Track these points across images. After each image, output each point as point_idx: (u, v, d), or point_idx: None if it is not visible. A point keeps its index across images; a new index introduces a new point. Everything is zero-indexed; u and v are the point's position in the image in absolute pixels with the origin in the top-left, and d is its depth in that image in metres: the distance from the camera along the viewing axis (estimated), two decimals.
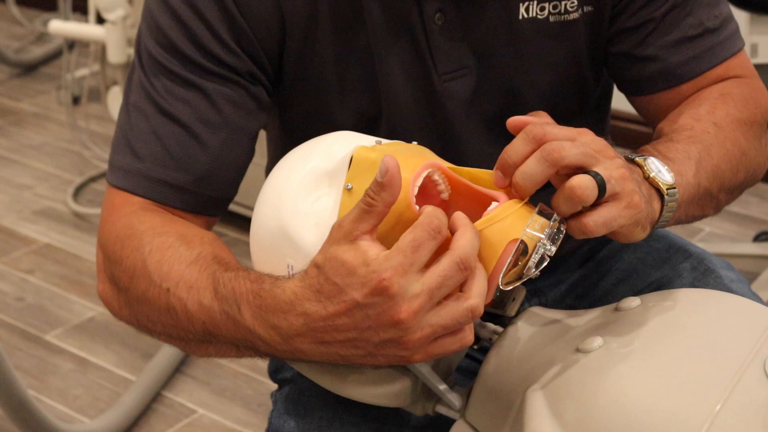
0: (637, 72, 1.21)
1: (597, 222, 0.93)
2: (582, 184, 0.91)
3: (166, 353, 2.35)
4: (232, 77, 1.10)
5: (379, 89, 1.16)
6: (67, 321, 2.55)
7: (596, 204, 0.92)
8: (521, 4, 1.15)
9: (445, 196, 0.98)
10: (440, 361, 1.05)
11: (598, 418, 0.89)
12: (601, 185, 0.92)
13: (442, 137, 1.18)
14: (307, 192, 0.97)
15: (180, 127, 1.09)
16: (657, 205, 1.01)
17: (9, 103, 3.80)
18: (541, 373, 0.97)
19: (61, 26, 3.03)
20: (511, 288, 0.92)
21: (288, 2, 1.11)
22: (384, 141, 0.99)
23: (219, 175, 1.11)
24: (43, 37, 4.30)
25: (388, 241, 0.92)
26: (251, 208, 1.06)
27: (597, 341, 0.95)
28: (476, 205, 0.95)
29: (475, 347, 1.05)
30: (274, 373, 1.30)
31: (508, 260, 0.91)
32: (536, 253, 0.91)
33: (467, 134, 1.18)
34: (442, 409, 1.06)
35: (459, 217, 0.88)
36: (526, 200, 0.94)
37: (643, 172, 1.01)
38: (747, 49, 1.27)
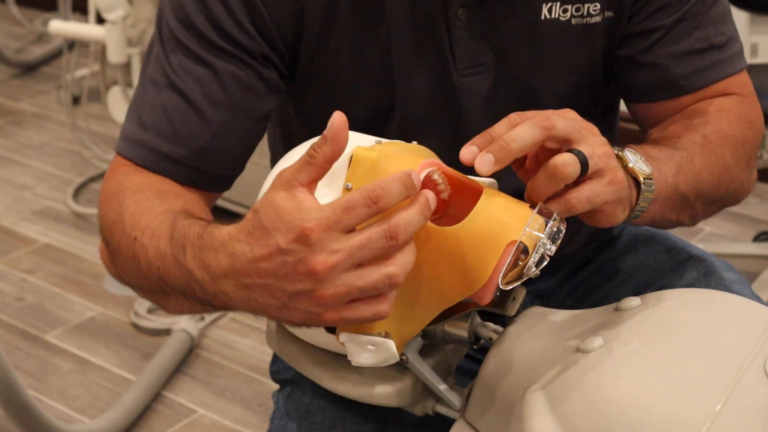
0: (640, 78, 1.22)
1: (580, 198, 0.94)
2: (565, 161, 0.92)
3: (166, 353, 2.35)
4: (243, 58, 1.11)
5: (395, 81, 1.16)
6: (67, 321, 2.56)
7: (579, 182, 0.94)
8: (544, 5, 1.16)
9: (444, 195, 0.98)
10: (440, 361, 1.05)
11: (598, 418, 0.89)
12: (584, 162, 0.93)
13: (455, 134, 1.18)
14: None
15: (186, 102, 1.11)
16: (634, 193, 1.02)
17: (9, 103, 3.80)
18: (541, 373, 0.97)
19: (61, 26, 3.03)
20: (511, 288, 0.93)
21: None
22: (383, 140, 0.99)
23: (218, 153, 1.12)
24: (43, 37, 4.30)
25: None
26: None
27: (597, 341, 0.95)
28: (474, 205, 0.95)
29: (475, 347, 1.05)
30: (275, 374, 1.30)
31: (508, 260, 0.91)
32: (536, 252, 0.91)
33: (480, 132, 1.18)
34: (441, 409, 1.06)
35: (423, 194, 0.87)
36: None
37: (622, 162, 1.02)
38: (747, 49, 1.28)
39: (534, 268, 0.92)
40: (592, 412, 0.89)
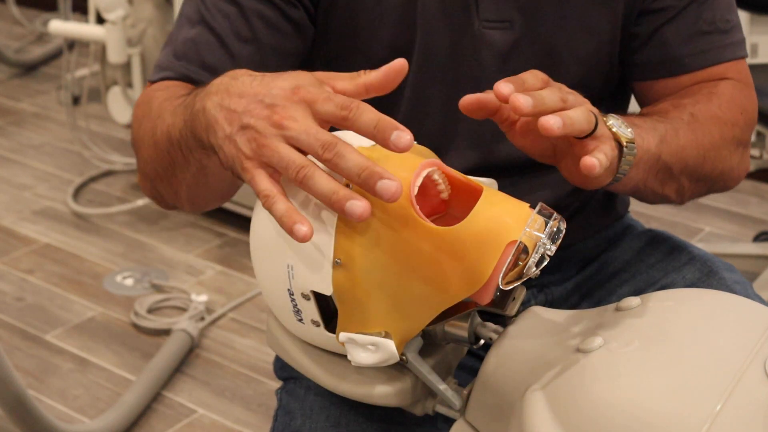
0: (644, 55, 1.24)
1: (600, 157, 0.98)
2: (582, 116, 0.97)
3: (166, 353, 2.35)
4: None
5: (417, 22, 1.18)
6: (67, 321, 2.56)
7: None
8: None
9: (445, 195, 0.98)
10: (440, 361, 1.05)
11: (598, 417, 0.89)
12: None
13: (472, 87, 1.18)
14: None
15: (214, 36, 1.16)
16: (616, 157, 1.05)
17: (9, 103, 3.80)
18: (541, 373, 0.97)
19: (61, 26, 3.03)
20: (511, 287, 0.93)
21: None
22: None
23: None
24: (43, 37, 4.30)
25: (387, 240, 0.93)
26: (251, 208, 1.06)
27: (597, 341, 0.95)
28: (474, 205, 0.95)
29: (475, 347, 1.05)
30: (279, 371, 1.30)
31: (508, 260, 0.91)
32: (536, 252, 0.91)
33: None
34: (442, 409, 1.06)
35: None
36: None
37: (606, 125, 1.04)
38: (747, 49, 1.29)
39: (534, 268, 0.92)
40: (592, 412, 0.89)
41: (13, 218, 3.01)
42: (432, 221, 0.93)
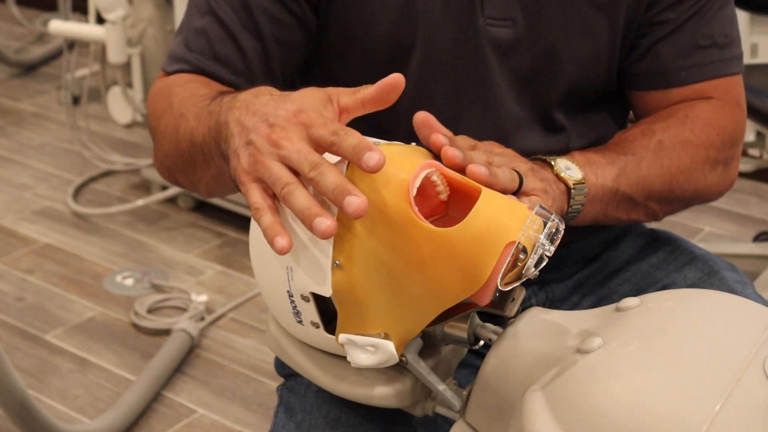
0: (640, 67, 1.26)
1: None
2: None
3: (166, 353, 2.35)
4: None
5: (417, 16, 1.19)
6: (67, 321, 2.56)
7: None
8: None
9: (443, 196, 0.98)
10: (440, 362, 1.05)
11: (598, 418, 0.89)
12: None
13: (473, 85, 1.22)
14: None
15: (223, 28, 1.20)
16: (565, 198, 1.13)
17: (9, 103, 3.80)
18: (541, 373, 0.97)
19: (61, 26, 3.03)
20: (510, 288, 0.93)
21: None
22: (382, 141, 0.99)
23: (255, 79, 1.20)
24: (43, 37, 4.30)
25: (386, 241, 0.93)
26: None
27: (597, 341, 0.95)
28: (473, 206, 0.95)
29: (475, 347, 1.05)
30: (280, 368, 1.30)
31: (507, 261, 0.91)
32: (535, 253, 0.91)
33: (497, 87, 1.22)
34: (441, 410, 1.06)
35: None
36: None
37: (553, 171, 1.13)
38: (747, 49, 1.30)
39: (533, 269, 0.92)
40: (592, 413, 0.89)
41: (13, 218, 3.01)
42: (431, 222, 0.93)
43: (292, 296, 0.99)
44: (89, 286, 2.69)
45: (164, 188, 3.04)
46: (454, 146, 1.01)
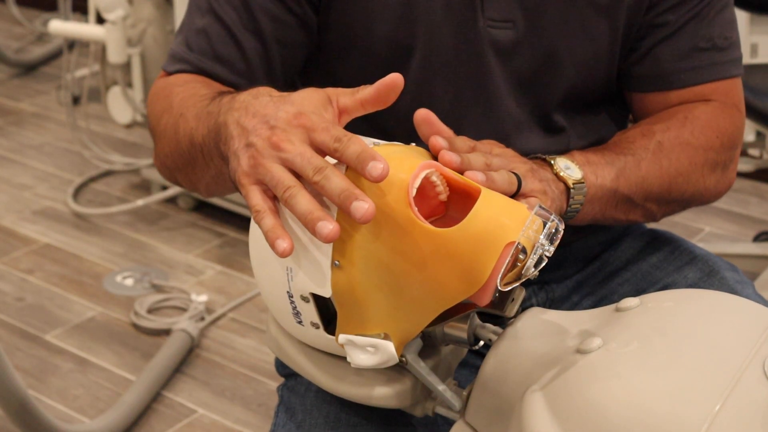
0: (640, 69, 1.25)
1: None
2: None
3: (166, 353, 2.35)
4: None
5: (417, 18, 1.19)
6: (67, 321, 2.56)
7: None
8: None
9: (443, 197, 0.98)
10: (440, 363, 1.05)
11: (598, 418, 0.89)
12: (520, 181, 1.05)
13: (473, 86, 1.22)
14: None
15: (224, 28, 1.20)
16: (564, 198, 1.13)
17: (9, 103, 3.80)
18: (540, 374, 0.97)
19: (61, 26, 3.03)
20: (509, 288, 0.93)
21: None
22: (381, 142, 0.99)
23: (256, 78, 1.20)
24: (43, 37, 4.30)
25: (386, 241, 0.93)
26: None
27: (597, 341, 0.95)
28: (473, 206, 0.95)
29: (475, 348, 1.05)
30: (281, 367, 1.31)
31: (507, 261, 0.91)
32: (534, 253, 0.91)
33: (498, 88, 1.23)
34: (441, 410, 1.06)
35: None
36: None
37: (552, 170, 1.13)
38: (747, 49, 1.30)
39: (532, 269, 0.92)
40: (592, 413, 0.89)
41: (13, 218, 3.02)
42: (430, 222, 0.93)
43: (292, 297, 0.99)
44: (89, 286, 2.69)
45: (164, 188, 3.04)
46: (453, 148, 1.01)
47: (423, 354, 1.03)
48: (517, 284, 0.93)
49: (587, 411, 0.90)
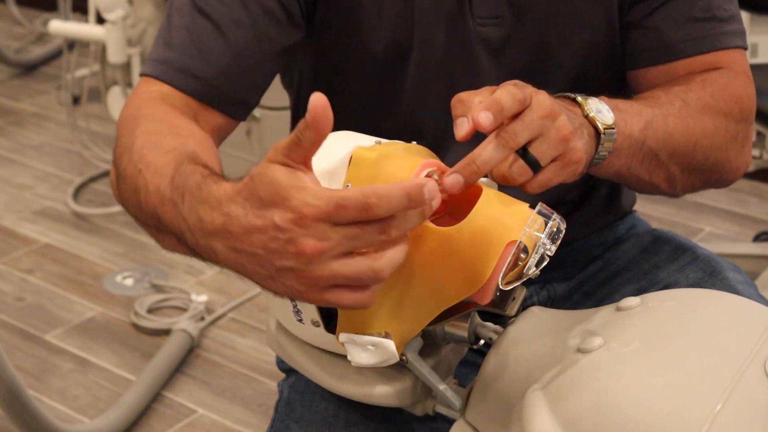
0: (638, 42, 1.23)
1: (533, 187, 0.97)
2: (515, 172, 0.96)
3: (166, 353, 2.35)
4: None
5: (415, 20, 1.19)
6: (67, 321, 2.56)
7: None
8: None
9: (444, 196, 0.98)
10: (440, 362, 1.05)
11: (598, 418, 0.89)
12: (533, 163, 0.96)
13: (468, 85, 1.18)
14: None
15: (210, 22, 1.16)
16: (594, 143, 1.04)
17: (9, 103, 3.80)
18: (541, 373, 0.97)
19: (61, 26, 3.04)
20: (511, 288, 0.92)
21: None
22: (383, 141, 0.99)
23: (238, 74, 1.16)
24: (43, 37, 4.30)
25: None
26: None
27: (597, 341, 0.95)
28: (474, 205, 0.95)
29: (475, 347, 1.05)
30: (281, 363, 1.31)
31: (508, 260, 0.91)
32: (536, 252, 0.91)
33: (492, 85, 1.20)
34: (442, 409, 1.06)
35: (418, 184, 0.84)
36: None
37: (583, 111, 1.04)
38: (746, 42, 1.28)
39: (534, 268, 0.92)
40: (592, 412, 0.89)
41: (13, 218, 3.01)
42: (431, 221, 0.93)
43: None
44: (89, 286, 2.69)
45: None
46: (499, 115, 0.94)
47: (423, 353, 1.03)
48: (518, 283, 0.93)
49: (588, 410, 0.90)
